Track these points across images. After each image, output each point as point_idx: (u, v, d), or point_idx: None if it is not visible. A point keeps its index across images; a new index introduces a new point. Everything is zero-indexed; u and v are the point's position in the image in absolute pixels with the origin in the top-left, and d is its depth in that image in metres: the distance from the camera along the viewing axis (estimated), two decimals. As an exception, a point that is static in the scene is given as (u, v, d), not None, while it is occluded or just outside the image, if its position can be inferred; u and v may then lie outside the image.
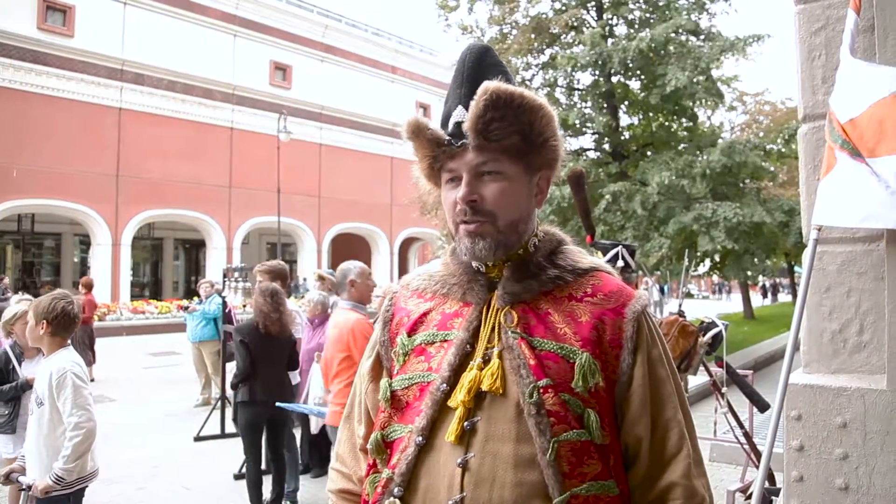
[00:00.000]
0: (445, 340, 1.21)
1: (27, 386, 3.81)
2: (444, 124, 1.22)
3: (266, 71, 27.30)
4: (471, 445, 1.11)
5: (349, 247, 30.21)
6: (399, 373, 1.25)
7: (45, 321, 3.12)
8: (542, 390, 1.11)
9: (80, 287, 10.83)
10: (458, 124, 1.17)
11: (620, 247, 3.91)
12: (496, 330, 1.19)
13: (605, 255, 3.89)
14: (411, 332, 1.27)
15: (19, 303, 4.62)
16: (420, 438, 1.14)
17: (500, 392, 1.13)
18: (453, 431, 1.12)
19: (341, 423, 1.45)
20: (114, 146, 22.55)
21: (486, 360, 1.16)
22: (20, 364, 3.94)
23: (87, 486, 3.21)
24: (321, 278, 7.27)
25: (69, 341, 3.28)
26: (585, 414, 1.12)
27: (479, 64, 1.22)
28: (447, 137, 1.18)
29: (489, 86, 1.13)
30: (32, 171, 20.32)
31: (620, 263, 3.91)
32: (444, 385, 1.16)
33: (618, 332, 1.18)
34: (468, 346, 1.19)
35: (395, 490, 1.14)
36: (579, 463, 1.10)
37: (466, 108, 1.16)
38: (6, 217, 21.35)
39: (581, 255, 1.30)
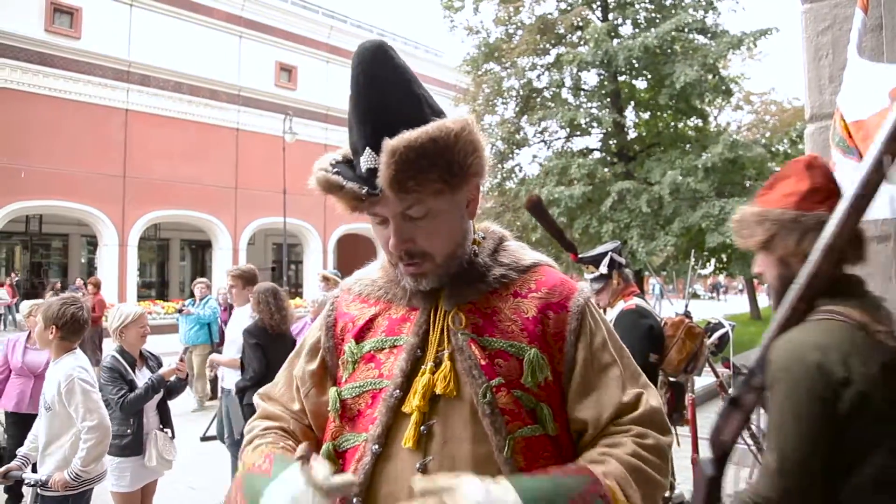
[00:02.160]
0: (395, 346, 1.21)
1: (161, 383, 3.72)
2: (356, 154, 1.15)
3: (271, 72, 27.33)
4: (428, 449, 1.11)
5: (355, 247, 30.21)
6: (348, 381, 1.23)
7: (54, 326, 3.16)
8: (494, 389, 1.12)
9: (88, 287, 10.86)
10: (372, 170, 1.09)
11: (609, 254, 3.85)
12: (445, 332, 1.18)
13: (597, 267, 3.82)
14: (359, 338, 1.25)
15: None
16: (376, 447, 1.13)
17: (454, 394, 1.13)
18: (410, 437, 1.12)
19: (259, 395, 1.40)
20: (120, 147, 22.61)
21: (438, 364, 1.16)
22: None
23: (91, 489, 3.26)
24: (325, 279, 7.27)
25: (76, 345, 3.30)
26: (538, 408, 1.14)
27: (375, 81, 1.09)
28: (364, 190, 1.10)
29: (396, 147, 1.03)
30: (40, 172, 20.40)
31: (605, 270, 3.83)
32: (398, 391, 1.15)
33: (561, 325, 1.19)
34: (419, 351, 1.18)
35: (354, 501, 1.13)
36: (535, 457, 1.11)
37: (374, 149, 1.08)
38: (14, 218, 21.43)
39: (523, 252, 1.30)
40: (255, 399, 1.36)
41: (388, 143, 1.04)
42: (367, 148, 1.10)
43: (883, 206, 1.90)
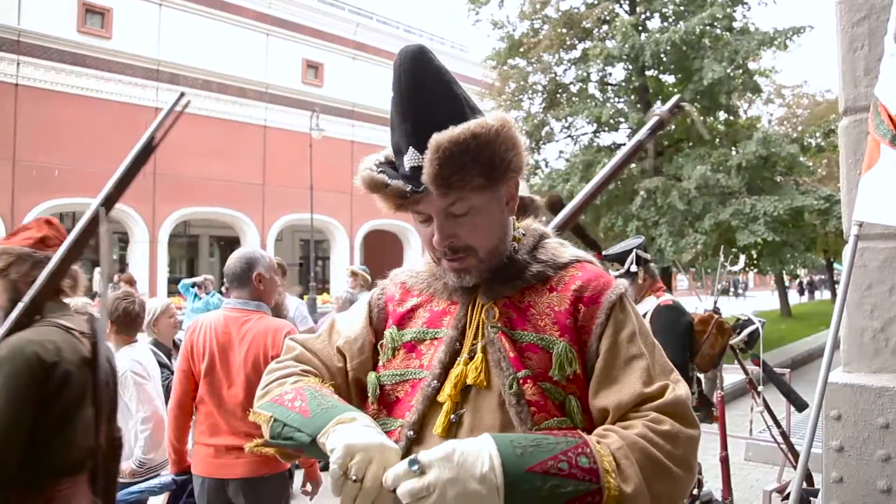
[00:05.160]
0: (436, 338, 1.25)
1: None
2: (398, 155, 1.21)
3: (298, 69, 27.51)
4: (457, 436, 1.15)
5: (381, 243, 30.37)
6: (387, 367, 1.28)
7: (109, 321, 3.36)
8: (521, 381, 1.15)
9: (120, 283, 11.04)
10: (415, 168, 1.15)
11: (634, 251, 3.81)
12: (480, 326, 1.22)
13: (622, 264, 3.78)
14: (400, 325, 1.30)
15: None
16: (411, 433, 1.18)
17: (484, 385, 1.18)
18: (440, 424, 1.17)
19: (294, 339, 1.40)
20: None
21: (472, 356, 1.20)
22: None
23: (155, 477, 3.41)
24: (354, 274, 7.32)
25: (135, 338, 3.50)
26: (567, 400, 1.16)
27: (417, 83, 1.15)
28: (408, 188, 1.16)
29: (440, 142, 1.08)
30: (72, 171, 20.82)
31: (634, 268, 3.78)
32: (435, 381, 1.20)
33: (590, 318, 1.19)
34: (457, 344, 1.23)
35: None
36: None
37: (418, 148, 1.13)
38: (48, 216, 21.92)
39: (562, 249, 1.31)
40: (289, 342, 1.38)
41: (433, 140, 1.09)
42: (411, 147, 1.15)
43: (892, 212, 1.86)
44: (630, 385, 1.13)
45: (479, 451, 0.98)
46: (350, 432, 1.04)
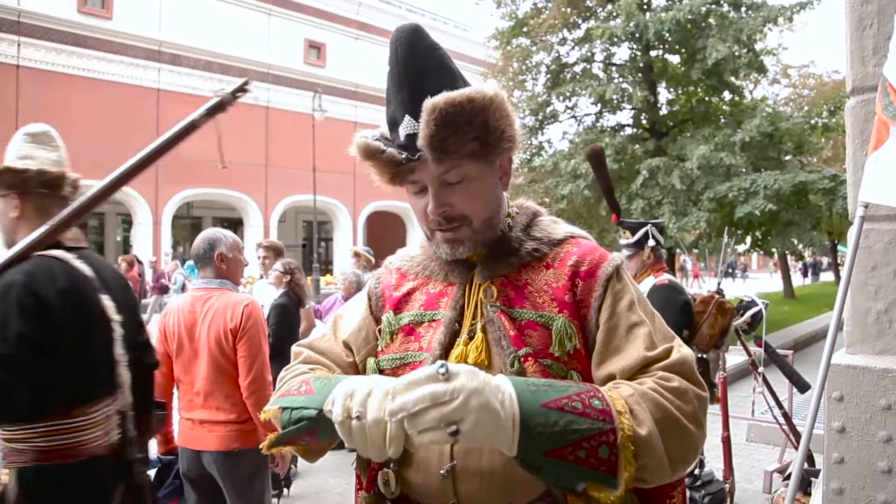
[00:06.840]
0: (434, 320, 1.25)
1: None
2: (393, 128, 1.21)
3: (300, 50, 27.33)
4: None
5: (384, 224, 30.36)
6: (386, 352, 1.28)
7: None
8: (522, 359, 1.16)
9: (120, 264, 11.06)
10: (411, 136, 1.15)
11: (649, 226, 3.82)
12: (479, 306, 1.23)
13: (633, 234, 3.80)
14: (396, 310, 1.30)
15: None
16: None
17: (485, 364, 1.17)
18: None
19: (301, 345, 1.41)
20: (152, 126, 22.86)
21: (472, 336, 1.20)
22: None
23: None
24: (357, 255, 7.33)
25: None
26: (568, 376, 1.16)
27: (413, 55, 1.17)
28: (403, 155, 1.16)
29: (436, 103, 1.09)
30: (75, 152, 20.16)
31: (651, 242, 3.82)
32: None
33: (588, 292, 1.20)
34: (456, 325, 1.23)
35: (391, 464, 1.19)
36: None
37: (413, 116, 1.14)
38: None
39: (556, 226, 1.32)
40: (296, 348, 1.39)
41: (429, 102, 1.10)
42: (406, 116, 1.16)
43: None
44: (635, 350, 1.14)
45: (499, 381, 0.99)
46: (346, 382, 1.05)
